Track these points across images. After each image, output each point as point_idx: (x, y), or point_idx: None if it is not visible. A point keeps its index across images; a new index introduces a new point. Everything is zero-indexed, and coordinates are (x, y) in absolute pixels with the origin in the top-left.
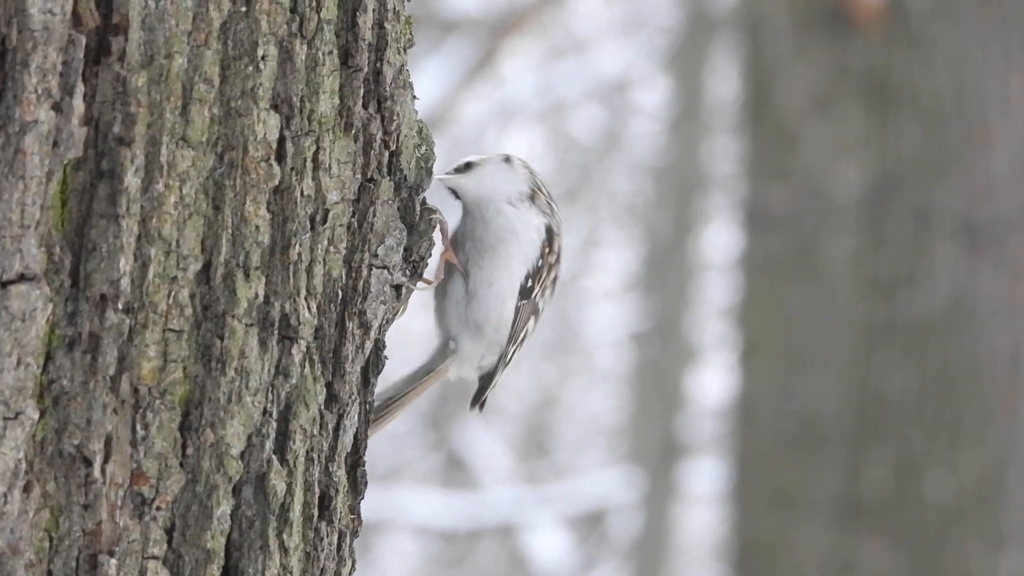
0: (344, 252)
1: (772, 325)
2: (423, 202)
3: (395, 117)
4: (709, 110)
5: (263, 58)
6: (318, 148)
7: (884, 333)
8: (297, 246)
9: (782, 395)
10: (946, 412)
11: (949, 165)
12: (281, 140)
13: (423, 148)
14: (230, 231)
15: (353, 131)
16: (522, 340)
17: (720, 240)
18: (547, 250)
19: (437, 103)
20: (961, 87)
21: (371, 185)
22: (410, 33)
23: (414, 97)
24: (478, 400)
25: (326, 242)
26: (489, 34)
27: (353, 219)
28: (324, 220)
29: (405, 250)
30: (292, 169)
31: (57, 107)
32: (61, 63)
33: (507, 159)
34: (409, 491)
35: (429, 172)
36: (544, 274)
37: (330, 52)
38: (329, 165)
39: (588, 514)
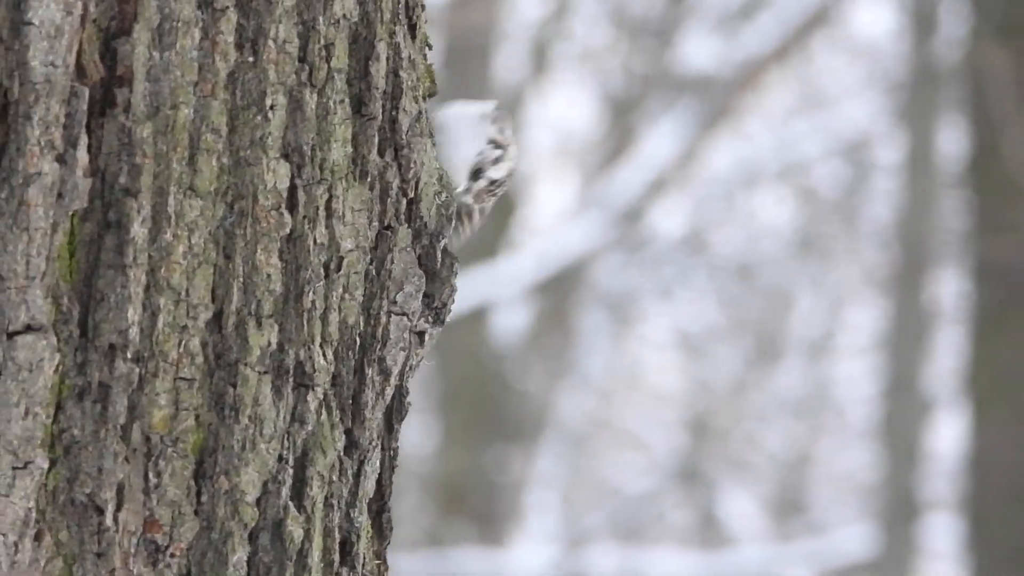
0: (361, 299)
1: (1004, 378)
2: (444, 248)
3: (412, 165)
4: (940, 165)
5: (272, 107)
6: (331, 196)
7: None
8: (311, 294)
9: (1015, 449)
10: None
11: None
12: (292, 189)
13: (443, 195)
14: (241, 280)
15: (368, 179)
16: None
17: (953, 294)
18: None
19: (673, 162)
20: None
21: (389, 232)
22: (431, 81)
23: (434, 144)
24: None
25: (341, 289)
26: (724, 91)
27: (371, 266)
28: (339, 268)
29: (426, 296)
30: (304, 217)
31: (61, 159)
32: (64, 115)
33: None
34: (662, 549)
35: (449, 219)
36: None
37: (342, 101)
38: (343, 213)
39: (838, 572)
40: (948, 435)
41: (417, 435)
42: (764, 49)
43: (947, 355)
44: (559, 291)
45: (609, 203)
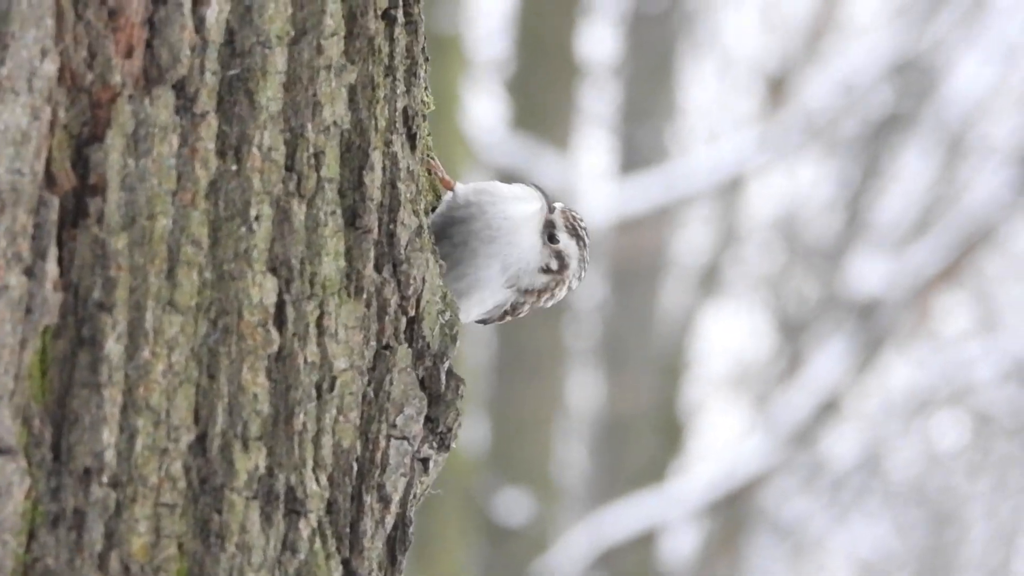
0: (357, 422)
1: None
2: (449, 370)
3: (412, 281)
4: None
5: (257, 218)
6: (322, 312)
7: None
8: (302, 415)
9: None
10: None
11: None
12: (280, 304)
13: (447, 314)
14: (226, 400)
15: (364, 295)
16: None
17: None
18: None
19: (843, 384)
20: None
21: (387, 352)
22: (434, 195)
23: (439, 262)
24: None
25: (335, 411)
26: (894, 313)
27: (368, 387)
28: (332, 388)
29: (429, 420)
30: (294, 335)
31: (29, 271)
32: (32, 226)
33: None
34: None
35: (454, 339)
36: None
37: (333, 212)
38: (336, 330)
39: None
40: None
41: None
42: (932, 269)
43: None
44: (729, 515)
45: (778, 426)
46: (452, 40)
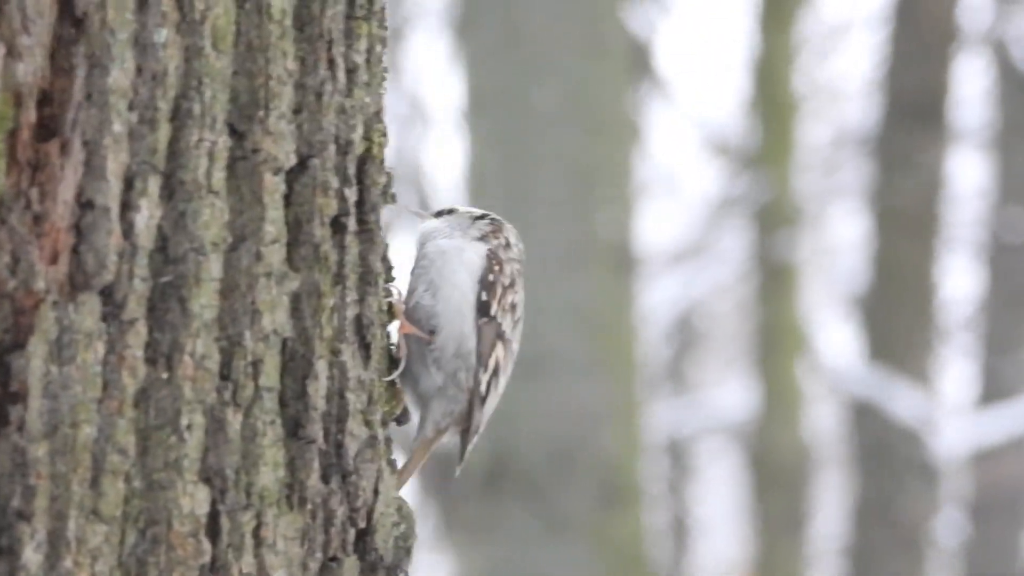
0: None
1: None
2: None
3: (361, 492)
4: None
5: (188, 427)
6: (260, 523)
7: None
8: None
9: None
10: None
11: None
12: (214, 514)
13: (402, 526)
14: None
15: (308, 506)
16: (494, 371)
17: None
18: (497, 269)
19: None
20: None
21: (334, 564)
22: (395, 402)
23: (393, 473)
24: (462, 455)
25: None
26: None
27: None
28: None
29: None
30: (228, 545)
31: None
32: None
33: (482, 217)
34: None
35: (408, 551)
36: (499, 292)
37: (272, 422)
38: (274, 541)
39: None
40: None
41: None
42: None
43: None
44: None
45: None
46: (791, 269)
